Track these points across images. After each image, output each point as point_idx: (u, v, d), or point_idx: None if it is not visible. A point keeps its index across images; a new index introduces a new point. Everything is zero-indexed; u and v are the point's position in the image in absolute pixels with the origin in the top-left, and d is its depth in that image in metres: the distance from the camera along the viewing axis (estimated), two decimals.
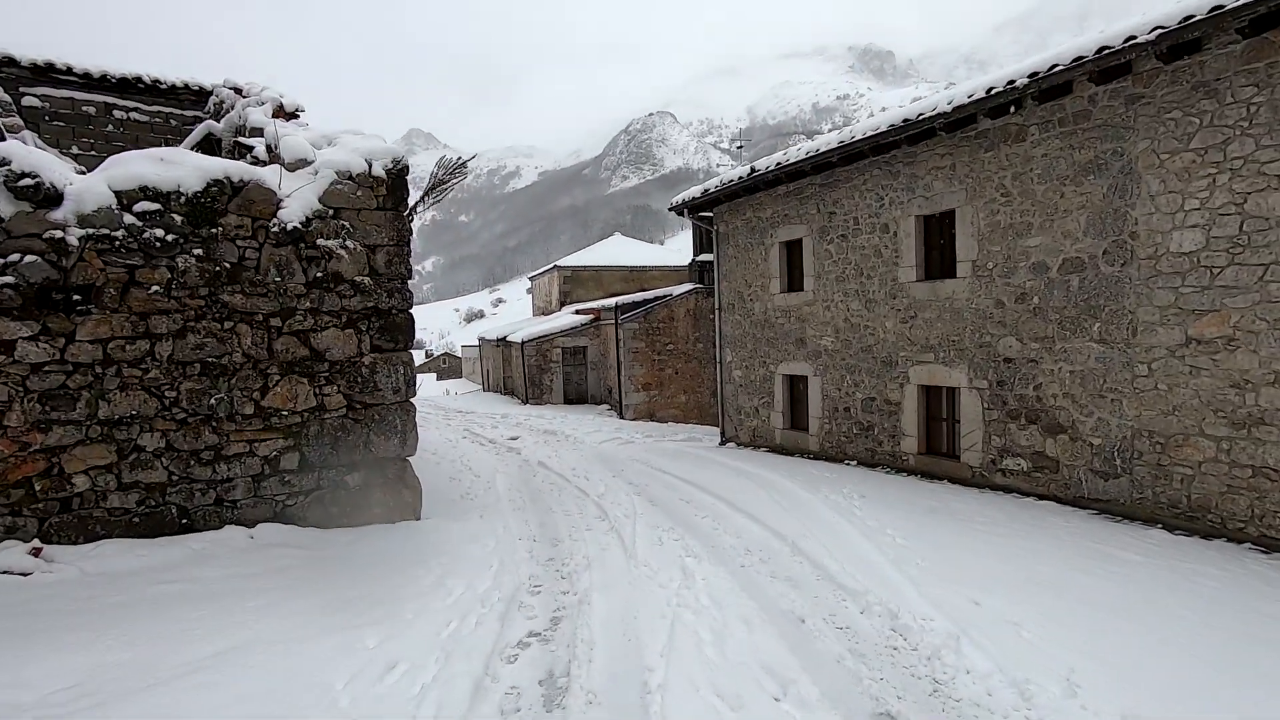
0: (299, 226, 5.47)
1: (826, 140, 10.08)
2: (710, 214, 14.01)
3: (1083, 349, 7.47)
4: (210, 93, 11.65)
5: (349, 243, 5.66)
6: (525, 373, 22.12)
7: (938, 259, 9.38)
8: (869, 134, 9.20)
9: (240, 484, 5.41)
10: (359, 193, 5.78)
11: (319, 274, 5.61)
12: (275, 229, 5.39)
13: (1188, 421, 6.62)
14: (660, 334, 19.72)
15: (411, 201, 6.19)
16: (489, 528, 6.51)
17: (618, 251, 30.89)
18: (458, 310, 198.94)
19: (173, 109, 11.75)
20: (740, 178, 11.88)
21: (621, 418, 19.92)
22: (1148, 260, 6.86)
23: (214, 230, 5.16)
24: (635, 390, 19.65)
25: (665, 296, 19.86)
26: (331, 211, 5.66)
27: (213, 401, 5.22)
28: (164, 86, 11.53)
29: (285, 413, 5.53)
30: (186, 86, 11.73)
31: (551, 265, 29.97)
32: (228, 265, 5.23)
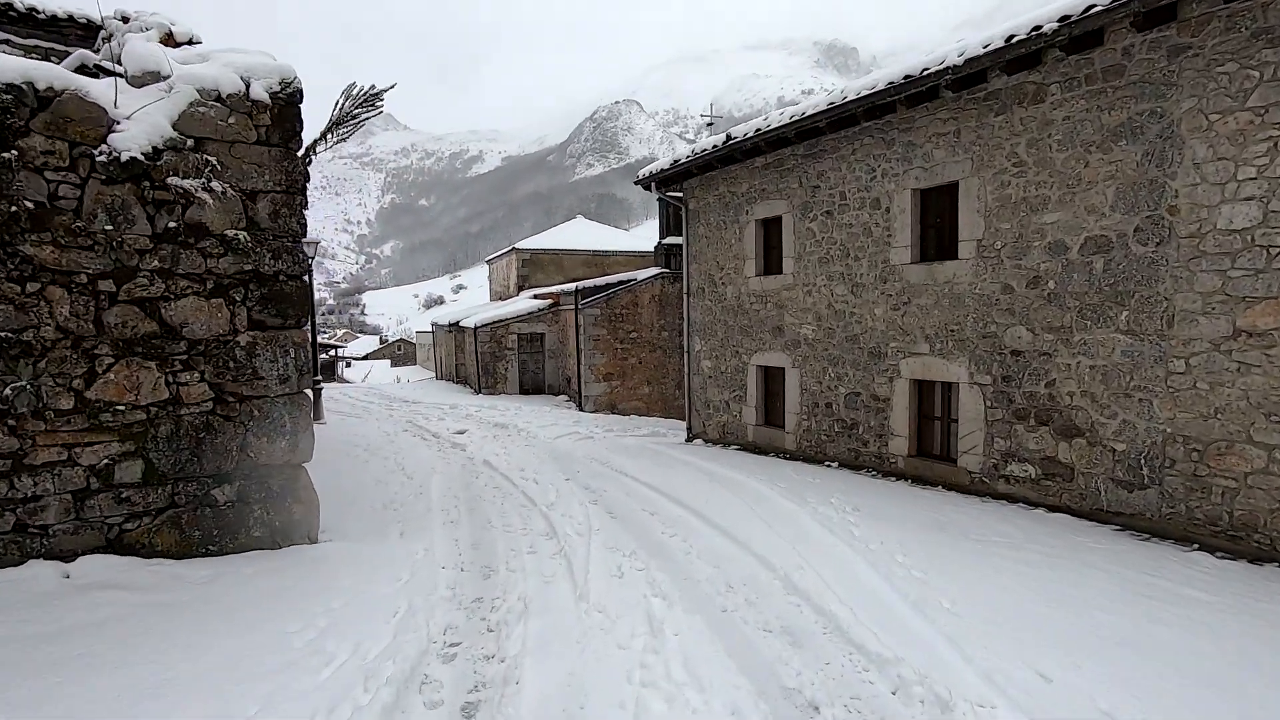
0: (142, 159, 4.09)
1: (814, 103, 8.95)
2: (680, 190, 12.80)
3: (1107, 341, 6.51)
4: (101, 27, 9.93)
5: (216, 185, 4.30)
6: (478, 360, 20.68)
7: (936, 238, 8.37)
8: (863, 93, 8.10)
9: (54, 503, 4.03)
10: (232, 120, 4.41)
11: (172, 224, 4.23)
12: (106, 159, 4.00)
13: (1233, 426, 5.70)
14: (624, 321, 18.51)
15: (309, 138, 4.83)
16: (407, 551, 5.23)
17: (580, 235, 29.47)
18: (417, 296, 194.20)
19: (54, 43, 9.97)
20: (715, 146, 10.70)
21: (581, 410, 18.68)
22: (1189, 239, 5.91)
23: (6, 155, 3.75)
24: (596, 380, 18.43)
25: (629, 281, 18.66)
26: (191, 142, 4.29)
27: (8, 392, 3.83)
28: (42, 16, 9.77)
29: (123, 407, 4.16)
30: (71, 19, 9.98)
31: (510, 248, 28.42)
32: (30, 205, 3.83)
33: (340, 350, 49.66)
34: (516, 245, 27.89)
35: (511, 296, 26.93)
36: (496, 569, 4.94)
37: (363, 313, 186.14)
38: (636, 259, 26.19)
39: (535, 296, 22.48)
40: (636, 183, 12.78)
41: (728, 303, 11.67)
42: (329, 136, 5.22)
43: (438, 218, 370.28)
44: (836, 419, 9.59)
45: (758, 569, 4.77)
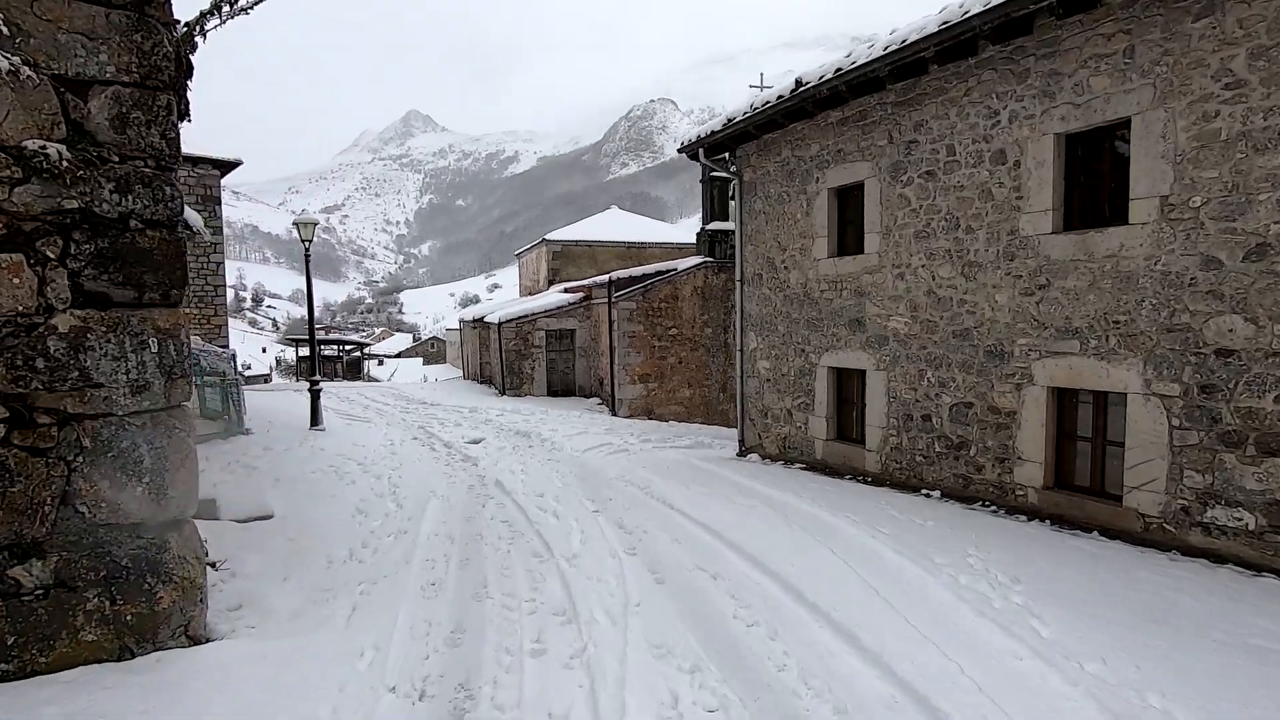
0: None
1: (918, 25, 6.90)
2: (732, 158, 10.84)
3: None
4: None
5: (5, 60, 2.54)
6: (503, 359, 18.99)
7: (1091, 198, 6.27)
8: (993, 3, 6.04)
9: None
10: None
11: None
12: None
13: None
14: (662, 316, 16.61)
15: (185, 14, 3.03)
16: (347, 650, 3.42)
17: (615, 226, 27.62)
18: (453, 295, 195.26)
19: None
20: (779, 97, 8.71)
21: (614, 414, 16.85)
22: None
23: None
24: (631, 382, 16.57)
25: (669, 272, 16.74)
26: None
27: None
28: None
29: None
30: None
31: (540, 240, 26.74)
32: None
33: (368, 348, 48.82)
34: (547, 237, 26.18)
35: (541, 292, 25.25)
36: (477, 693, 3.08)
37: (400, 311, 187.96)
38: (675, 252, 24.23)
39: (566, 290, 20.74)
40: (681, 150, 10.86)
41: (791, 291, 9.67)
42: (221, 10, 3.45)
43: (474, 218, 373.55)
44: (938, 436, 7.53)
45: (915, 716, 2.82)
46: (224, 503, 6.17)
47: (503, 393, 19.17)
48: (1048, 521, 6.33)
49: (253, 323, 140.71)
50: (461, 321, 28.17)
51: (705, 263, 16.91)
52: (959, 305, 7.24)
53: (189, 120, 3.14)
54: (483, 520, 6.43)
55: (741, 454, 10.81)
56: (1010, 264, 6.69)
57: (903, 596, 4.02)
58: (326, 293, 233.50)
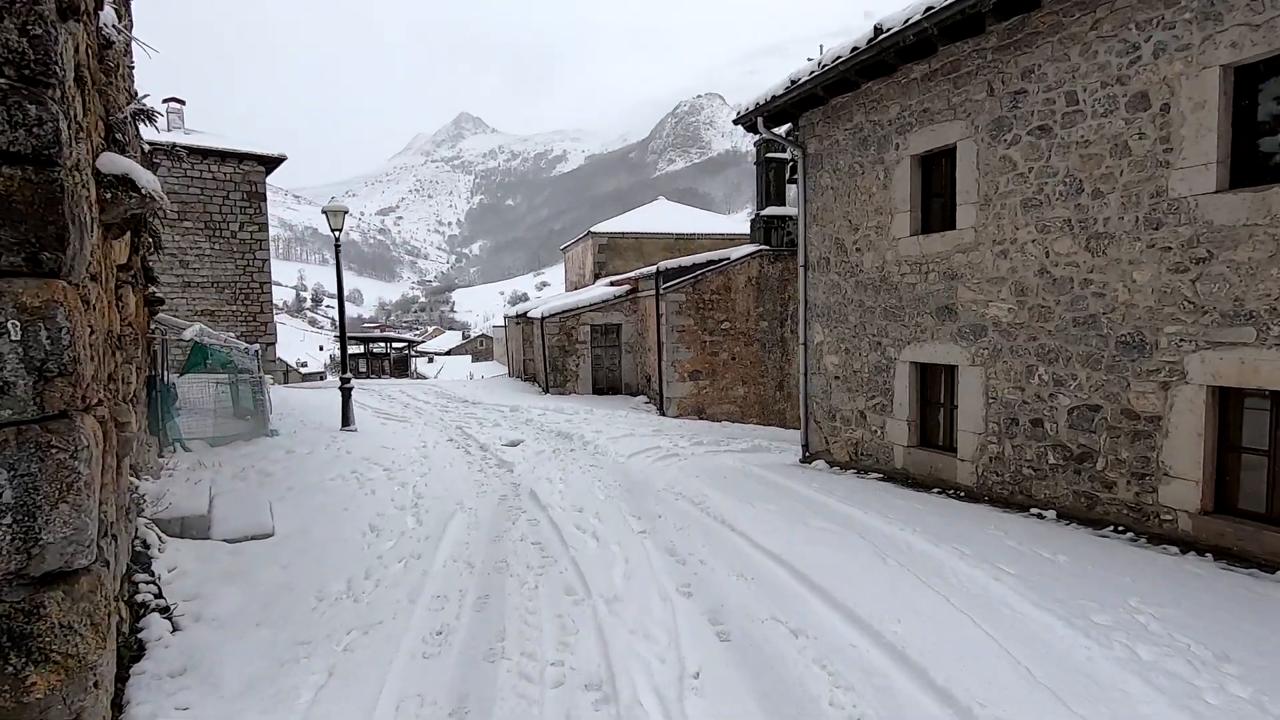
0: None
1: None
2: (794, 129, 9.66)
3: None
4: None
5: None
6: (545, 356, 18.19)
7: (1270, 149, 4.93)
8: None
9: None
10: None
11: None
12: None
13: None
14: (713, 308, 15.50)
15: None
16: None
17: (663, 217, 26.56)
18: (503, 293, 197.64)
19: None
20: (853, 50, 7.53)
21: (663, 414, 15.84)
22: None
23: None
24: (680, 379, 15.53)
25: (721, 262, 15.61)
26: None
27: None
28: None
29: None
30: None
31: (585, 233, 25.89)
32: None
33: (415, 345, 49.04)
34: (593, 229, 25.32)
35: (587, 286, 24.43)
36: None
37: (452, 310, 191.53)
38: (726, 244, 23.04)
39: (612, 284, 19.82)
40: (737, 121, 9.74)
41: (864, 276, 8.47)
42: None
43: (523, 217, 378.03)
44: (1052, 445, 6.26)
45: None
46: (220, 518, 5.42)
47: (546, 390, 18.38)
48: (1208, 555, 5.03)
49: (312, 322, 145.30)
50: (506, 318, 27.61)
51: (760, 251, 15.71)
52: (1081, 286, 5.95)
53: (129, 25, 2.29)
54: (510, 541, 5.51)
55: (805, 460, 9.65)
56: (1154, 234, 5.39)
57: (1067, 680, 2.89)
58: (382, 292, 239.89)
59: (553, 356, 18.22)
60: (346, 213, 10.93)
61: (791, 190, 16.15)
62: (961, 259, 7.10)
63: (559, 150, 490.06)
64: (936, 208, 7.66)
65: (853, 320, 8.74)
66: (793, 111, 9.30)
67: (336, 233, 10.89)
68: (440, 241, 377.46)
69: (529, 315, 19.99)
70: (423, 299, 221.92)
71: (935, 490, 7.42)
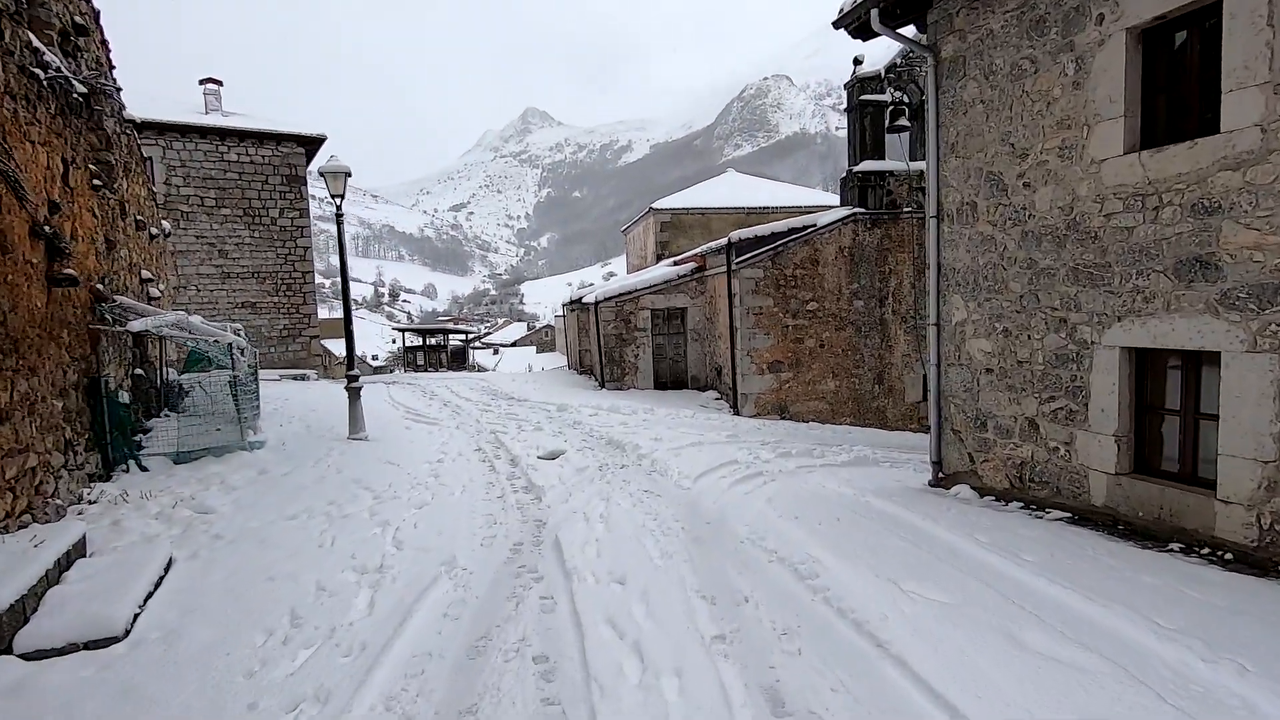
0: None
1: None
2: (920, 25, 7.03)
3: None
4: None
5: None
6: (600, 345, 16.03)
7: None
8: None
9: None
10: None
11: None
12: None
13: None
14: (797, 286, 12.93)
15: None
16: None
17: (733, 190, 23.91)
18: (570, 285, 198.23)
19: None
20: None
21: (736, 413, 13.40)
22: None
23: None
24: (757, 372, 13.06)
25: (806, 229, 13.00)
26: None
27: None
28: None
29: None
30: None
31: (646, 209, 23.58)
32: None
33: (473, 336, 48.03)
34: (654, 205, 22.97)
35: (649, 269, 22.13)
36: None
37: (521, 302, 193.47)
38: (808, 216, 20.23)
39: (676, 263, 17.45)
40: (838, 23, 7.17)
41: (1039, 223, 5.81)
42: None
43: (589, 208, 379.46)
44: None
45: None
46: (49, 608, 3.44)
47: (602, 385, 16.24)
48: None
49: (390, 316, 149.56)
50: (563, 305, 25.64)
51: (855, 215, 12.98)
52: None
53: None
54: (499, 656, 3.30)
55: (939, 483, 7.07)
56: None
57: None
58: (454, 286, 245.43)
59: (608, 347, 16.04)
60: (348, 175, 9.00)
61: (893, 142, 13.32)
62: (1230, 180, 4.38)
63: (624, 141, 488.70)
64: (1172, 106, 4.93)
65: (1016, 288, 6.09)
66: (919, 2, 6.68)
67: (338, 199, 8.99)
68: (509, 235, 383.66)
69: (584, 301, 17.89)
70: (493, 292, 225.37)
71: (1175, 547, 4.74)
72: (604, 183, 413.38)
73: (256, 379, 10.09)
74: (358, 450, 8.37)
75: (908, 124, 12.89)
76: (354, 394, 9.04)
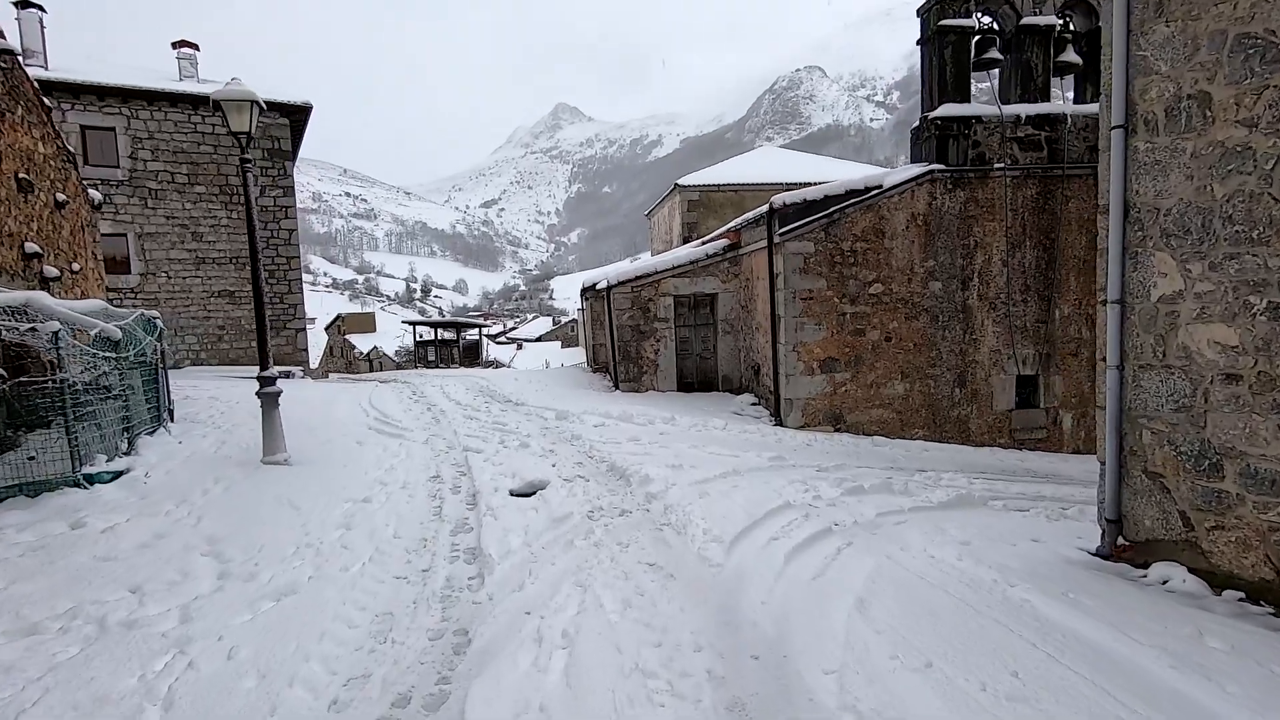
0: None
1: None
2: None
3: None
4: None
5: None
6: (614, 339, 13.56)
7: None
8: None
9: None
10: None
11: None
12: None
13: None
14: (855, 263, 10.29)
15: None
16: None
17: (769, 165, 21.15)
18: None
19: None
20: None
21: (779, 423, 10.81)
22: None
23: None
24: (806, 372, 10.48)
25: (868, 192, 10.33)
26: None
27: None
28: None
29: None
30: None
31: (672, 187, 20.98)
32: None
33: (485, 329, 45.89)
34: (679, 182, 20.36)
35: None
36: None
37: (550, 297, 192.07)
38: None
39: (704, 243, 14.89)
40: None
41: None
42: None
43: (618, 204, 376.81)
44: None
45: None
46: None
47: (616, 385, 13.78)
48: None
49: (422, 312, 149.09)
50: (581, 296, 23.23)
51: (931, 174, 10.26)
52: None
53: None
54: None
55: (1115, 555, 4.43)
56: None
57: None
58: (485, 281, 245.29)
59: (623, 340, 13.53)
60: (255, 104, 6.70)
61: (980, 81, 10.56)
62: None
63: (654, 135, 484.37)
64: None
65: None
66: None
67: (241, 136, 6.68)
68: (540, 231, 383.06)
69: (598, 287, 15.43)
70: (523, 287, 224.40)
71: None
72: (634, 177, 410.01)
73: (160, 380, 7.85)
74: (257, 482, 6.03)
75: (999, 56, 10.11)
76: (268, 402, 6.70)
